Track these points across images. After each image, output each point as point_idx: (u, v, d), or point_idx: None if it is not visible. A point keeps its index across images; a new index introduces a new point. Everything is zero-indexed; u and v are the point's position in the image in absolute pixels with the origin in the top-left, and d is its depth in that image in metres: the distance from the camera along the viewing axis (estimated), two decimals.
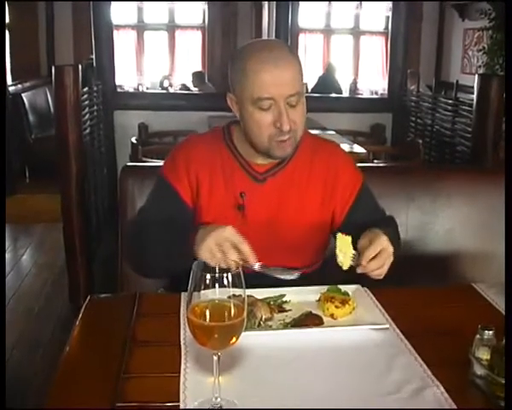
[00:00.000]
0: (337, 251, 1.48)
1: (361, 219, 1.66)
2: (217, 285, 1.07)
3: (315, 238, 1.76)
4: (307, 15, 8.63)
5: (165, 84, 8.74)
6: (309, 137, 1.78)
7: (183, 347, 1.28)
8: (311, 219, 1.73)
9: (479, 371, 1.15)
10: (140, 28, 9.19)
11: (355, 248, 1.48)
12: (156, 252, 1.61)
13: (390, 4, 5.87)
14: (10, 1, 6.80)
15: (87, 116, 3.97)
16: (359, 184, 1.77)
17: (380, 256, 1.47)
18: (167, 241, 1.58)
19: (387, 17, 7.89)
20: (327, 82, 8.07)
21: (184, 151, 1.75)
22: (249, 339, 1.25)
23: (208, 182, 1.71)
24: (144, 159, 3.78)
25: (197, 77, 7.68)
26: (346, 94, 8.43)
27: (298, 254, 1.73)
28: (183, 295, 1.45)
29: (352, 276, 1.57)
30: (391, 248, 1.49)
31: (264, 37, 7.35)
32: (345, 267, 1.47)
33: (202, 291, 1.07)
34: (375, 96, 8.48)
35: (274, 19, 5.52)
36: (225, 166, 1.72)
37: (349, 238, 1.49)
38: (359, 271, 1.46)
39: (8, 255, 4.60)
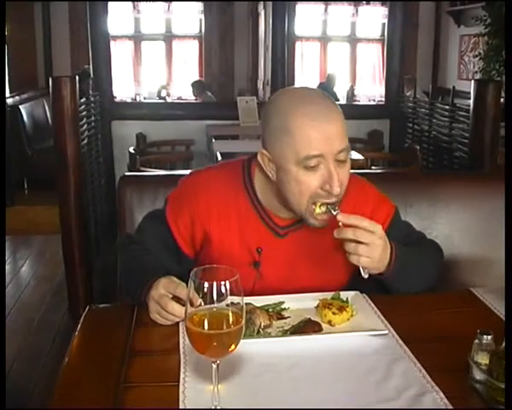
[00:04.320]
0: None
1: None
2: (215, 293, 1.07)
3: (337, 290, 1.57)
4: (304, 23, 8.67)
5: (163, 93, 8.77)
6: None
7: (182, 355, 1.28)
8: (334, 272, 1.61)
9: (478, 375, 1.15)
10: (137, 38, 9.21)
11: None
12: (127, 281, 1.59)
13: (386, 11, 5.90)
14: (10, 1, 6.78)
15: (85, 127, 3.98)
16: (389, 219, 1.64)
17: (362, 232, 1.39)
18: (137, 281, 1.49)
19: (383, 24, 7.93)
20: (325, 91, 8.07)
21: (193, 198, 1.57)
22: (248, 347, 1.25)
23: (219, 235, 1.56)
24: (142, 168, 3.78)
25: (197, 86, 7.70)
26: (343, 101, 8.44)
27: None
28: None
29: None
30: (381, 241, 1.42)
31: (261, 46, 7.38)
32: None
33: (200, 299, 1.08)
34: (372, 103, 8.52)
35: (270, 27, 5.55)
36: (241, 216, 1.56)
37: None
38: (336, 235, 1.40)
39: (7, 267, 4.60)
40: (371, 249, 1.42)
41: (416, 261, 1.59)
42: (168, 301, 1.37)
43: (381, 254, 1.45)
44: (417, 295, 1.65)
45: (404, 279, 1.55)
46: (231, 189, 1.57)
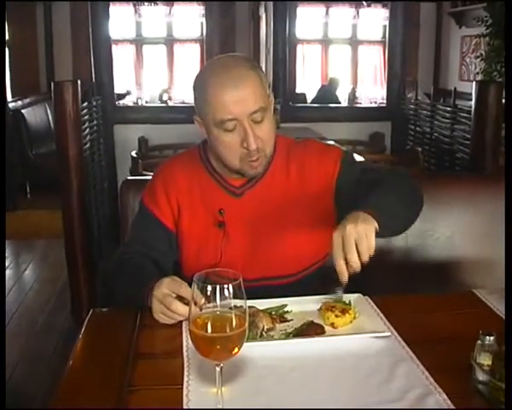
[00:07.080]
0: None
1: (353, 195, 1.55)
2: (218, 297, 1.07)
3: (302, 244, 1.69)
4: (305, 26, 8.67)
5: (165, 97, 8.78)
6: (283, 142, 1.75)
7: (185, 358, 1.28)
8: (296, 226, 1.68)
9: (480, 376, 1.15)
10: (138, 42, 9.23)
11: None
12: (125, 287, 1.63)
13: (387, 13, 5.90)
14: (10, 1, 6.77)
15: (87, 131, 3.99)
16: (338, 164, 1.68)
17: (347, 245, 1.32)
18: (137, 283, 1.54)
19: (384, 26, 7.93)
20: (327, 94, 8.09)
21: (163, 179, 1.75)
22: (251, 350, 1.26)
23: (188, 205, 1.70)
24: (145, 172, 3.79)
25: None
26: (344, 103, 8.45)
27: (286, 264, 1.68)
28: None
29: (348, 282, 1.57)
30: (351, 226, 1.33)
31: (262, 49, 7.39)
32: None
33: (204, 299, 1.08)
34: (373, 105, 8.51)
35: (272, 30, 5.54)
36: (203, 186, 1.71)
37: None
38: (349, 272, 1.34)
39: (10, 271, 4.61)
40: (361, 240, 1.34)
41: (388, 202, 1.48)
42: (172, 300, 1.39)
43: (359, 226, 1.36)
44: (420, 296, 1.66)
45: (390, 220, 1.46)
46: (192, 166, 1.75)
